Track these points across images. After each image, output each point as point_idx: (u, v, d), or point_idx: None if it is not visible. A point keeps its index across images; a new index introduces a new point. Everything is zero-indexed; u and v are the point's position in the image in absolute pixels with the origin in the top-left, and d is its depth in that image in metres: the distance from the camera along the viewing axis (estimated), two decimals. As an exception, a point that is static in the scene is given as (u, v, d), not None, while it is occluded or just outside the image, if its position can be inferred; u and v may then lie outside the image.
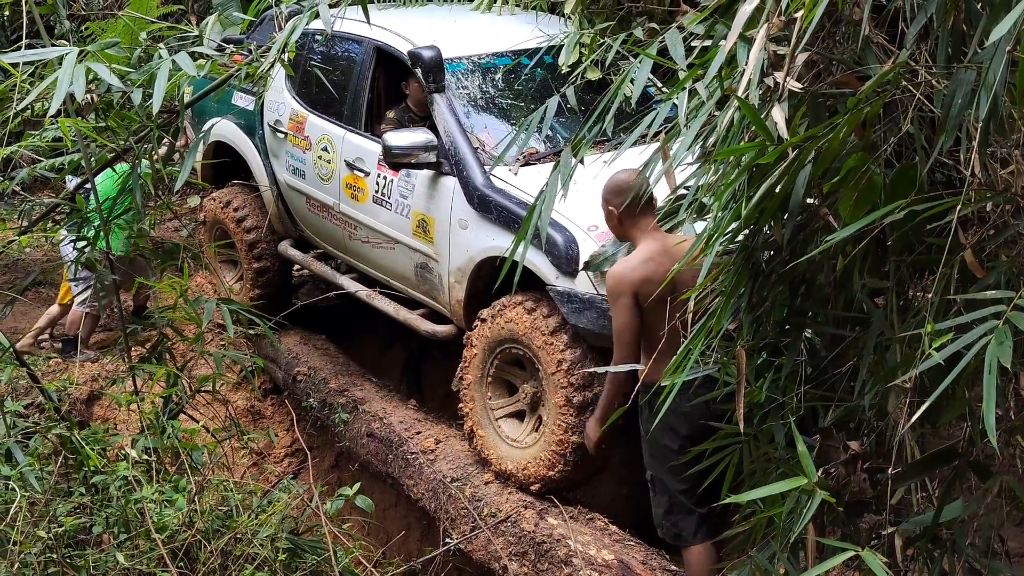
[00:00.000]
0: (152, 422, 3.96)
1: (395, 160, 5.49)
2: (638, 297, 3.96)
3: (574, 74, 5.91)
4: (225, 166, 7.12)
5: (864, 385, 3.17)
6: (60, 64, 3.42)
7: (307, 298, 7.25)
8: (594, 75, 5.91)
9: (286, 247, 6.97)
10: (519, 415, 5.36)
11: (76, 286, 7.21)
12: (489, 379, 5.35)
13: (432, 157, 5.47)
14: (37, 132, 4.05)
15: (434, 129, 5.57)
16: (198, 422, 4.42)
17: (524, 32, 6.10)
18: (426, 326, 5.87)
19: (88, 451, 3.66)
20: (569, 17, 6.12)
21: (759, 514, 3.02)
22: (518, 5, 6.53)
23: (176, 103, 4.04)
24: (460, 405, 5.52)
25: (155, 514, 3.39)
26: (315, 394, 6.51)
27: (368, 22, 4.19)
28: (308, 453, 4.44)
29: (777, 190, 2.32)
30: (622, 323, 4.00)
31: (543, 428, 5.11)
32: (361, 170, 6.01)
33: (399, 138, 5.46)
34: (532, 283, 5.00)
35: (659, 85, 5.88)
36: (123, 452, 3.79)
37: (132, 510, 3.48)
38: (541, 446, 5.09)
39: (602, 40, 5.93)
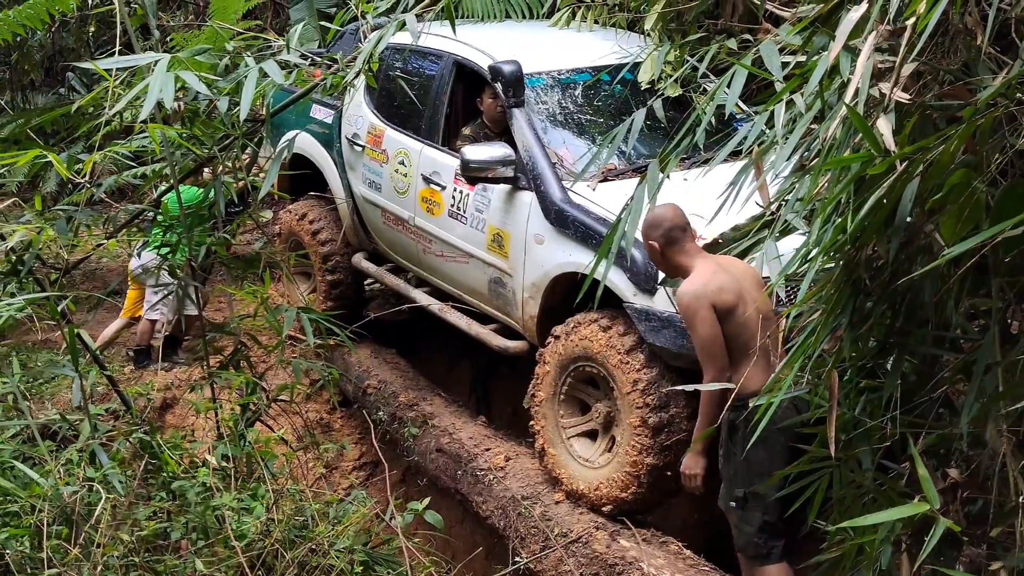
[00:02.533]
0: (231, 429, 3.96)
1: (472, 174, 5.47)
2: (716, 308, 3.95)
3: (659, 89, 5.87)
4: (301, 178, 7.18)
5: (961, 411, 3.06)
6: (150, 71, 3.46)
7: (378, 311, 7.25)
8: (674, 92, 5.86)
9: (360, 259, 6.99)
10: (591, 434, 5.28)
11: (153, 294, 7.30)
12: (562, 397, 5.28)
13: (509, 172, 5.44)
14: (122, 141, 4.09)
15: (511, 145, 5.55)
16: (273, 431, 4.42)
17: (603, 48, 6.07)
18: (498, 341, 5.83)
19: (167, 456, 3.67)
20: (649, 34, 6.05)
21: (850, 541, 2.91)
22: (596, 22, 6.49)
23: (261, 112, 4.07)
24: (531, 423, 5.46)
25: (234, 522, 3.38)
26: (384, 408, 6.49)
27: (454, 34, 4.17)
28: (385, 464, 4.40)
29: (884, 203, 2.23)
30: (708, 336, 3.94)
31: (616, 448, 5.02)
32: (437, 184, 6.00)
33: (477, 152, 5.44)
34: (608, 300, 4.93)
35: (741, 105, 5.79)
36: (198, 459, 3.80)
37: (210, 517, 3.47)
38: (614, 467, 5.00)
39: (683, 57, 5.88)
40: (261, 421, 4.36)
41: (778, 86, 2.84)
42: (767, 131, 6.07)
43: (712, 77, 5.87)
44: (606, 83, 5.91)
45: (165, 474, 3.66)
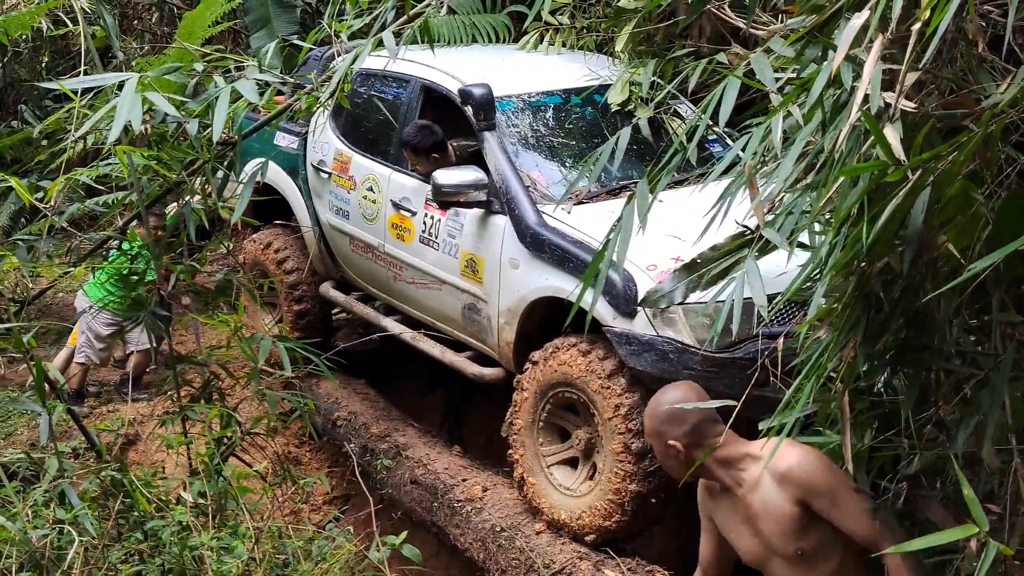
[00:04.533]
0: (207, 464, 3.79)
1: (444, 198, 5.37)
2: None
3: (629, 111, 5.82)
4: (265, 207, 7.02)
5: (958, 429, 2.99)
6: (113, 92, 3.32)
7: (346, 341, 7.10)
8: (645, 113, 5.82)
9: (328, 288, 6.84)
10: (572, 462, 5.16)
11: (81, 335, 7.16)
12: (540, 424, 5.17)
13: (482, 195, 5.35)
14: (85, 168, 3.93)
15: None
16: (250, 465, 4.26)
17: (572, 71, 6.02)
18: (473, 369, 5.70)
19: (140, 495, 3.49)
20: (618, 56, 6.01)
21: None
22: (564, 44, 6.45)
23: (230, 135, 3.94)
24: (508, 451, 5.34)
25: (214, 562, 3.21)
26: (356, 439, 6.33)
27: (432, 53, 4.07)
28: (368, 497, 4.23)
29: (896, 215, 2.16)
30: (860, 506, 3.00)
31: (598, 476, 4.91)
32: (408, 209, 5.89)
33: (449, 176, 5.35)
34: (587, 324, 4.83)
35: (712, 125, 5.75)
36: (167, 496, 3.63)
37: (188, 557, 3.30)
38: (597, 495, 4.89)
39: (654, 79, 5.84)
40: (236, 455, 4.20)
41: (774, 98, 2.77)
42: (741, 151, 6.04)
43: (682, 97, 5.87)
44: (576, 105, 5.85)
45: (137, 513, 3.48)
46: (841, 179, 2.16)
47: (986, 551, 2.07)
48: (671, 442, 3.16)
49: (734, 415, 2.98)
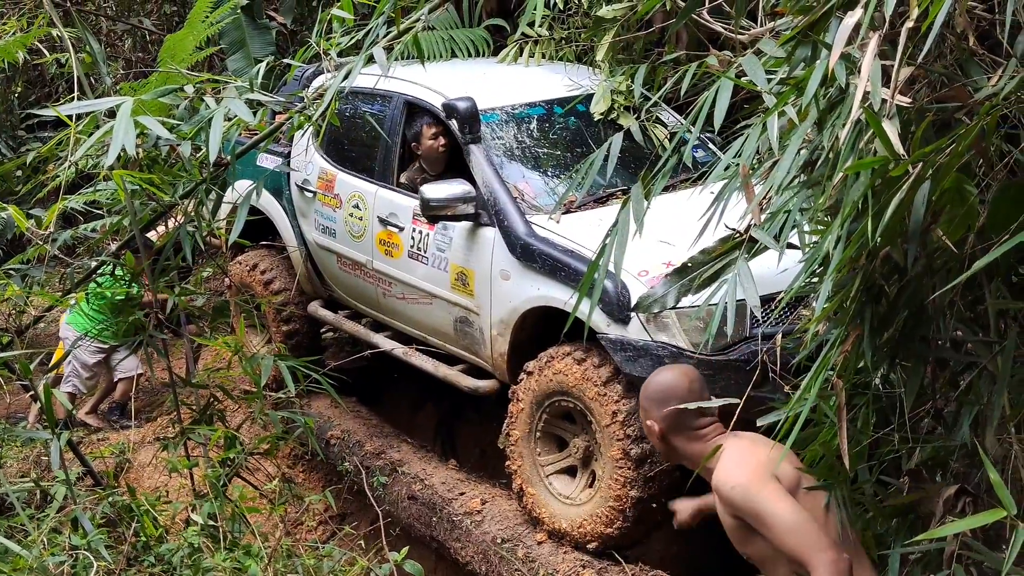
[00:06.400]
0: (214, 486, 3.78)
1: (433, 213, 5.38)
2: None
3: (612, 119, 5.86)
4: (248, 229, 6.99)
5: (958, 421, 3.02)
6: (106, 117, 3.32)
7: (334, 360, 7.09)
8: (627, 121, 5.87)
9: (316, 307, 6.83)
10: (570, 471, 5.18)
11: (67, 366, 7.14)
12: (538, 434, 5.18)
13: (470, 208, 5.36)
14: (76, 194, 3.92)
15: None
16: (256, 487, 4.24)
17: (553, 82, 6.06)
18: (467, 382, 5.71)
19: (147, 520, 3.47)
20: (599, 66, 6.06)
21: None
22: (544, 56, 6.48)
23: (222, 157, 3.93)
24: (507, 463, 5.34)
25: (229, 583, 3.20)
26: (350, 457, 6.31)
27: (424, 68, 4.07)
28: (378, 513, 4.21)
29: (898, 208, 2.19)
30: (787, 512, 2.89)
31: (598, 483, 4.92)
32: (395, 225, 5.90)
33: (437, 190, 5.36)
34: (581, 332, 4.85)
35: (690, 128, 5.79)
36: (173, 520, 3.61)
37: (202, 580, 3.29)
38: (597, 502, 4.90)
39: (632, 87, 5.88)
40: (240, 476, 4.18)
41: (767, 99, 2.81)
42: (721, 154, 6.07)
43: (663, 105, 5.92)
44: (560, 116, 5.89)
45: (144, 537, 3.46)
46: (841, 174, 2.19)
47: (1016, 533, 2.10)
48: (649, 422, 3.20)
49: (735, 417, 3.00)
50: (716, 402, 3.02)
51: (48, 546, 3.11)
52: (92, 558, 3.05)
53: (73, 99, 3.39)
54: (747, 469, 2.97)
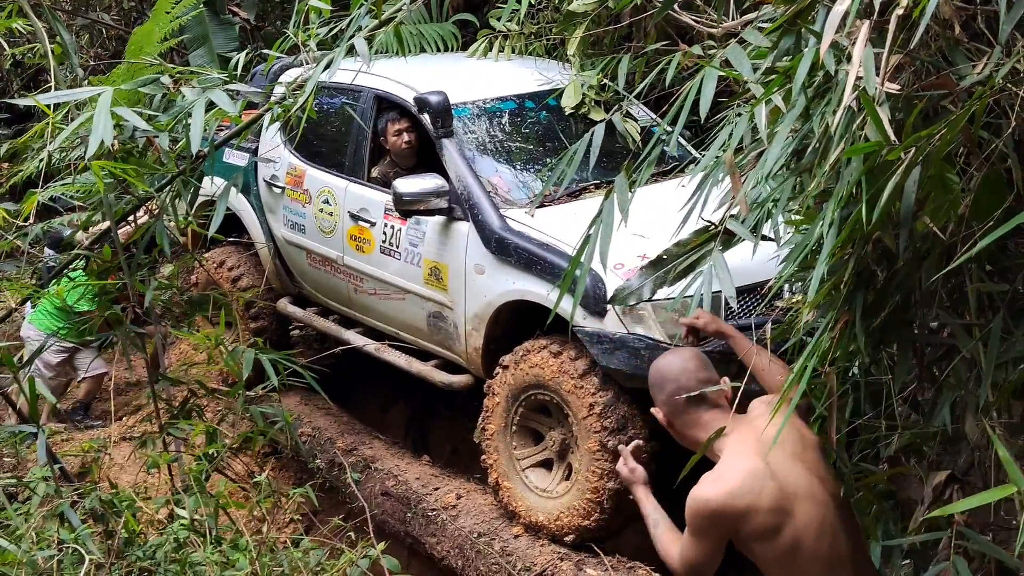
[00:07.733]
0: (198, 480, 3.73)
1: (406, 207, 5.36)
2: (740, 533, 2.90)
3: (583, 113, 5.87)
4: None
5: (934, 407, 3.07)
6: (78, 110, 3.27)
7: (303, 357, 7.03)
8: (598, 115, 5.89)
9: (285, 304, 6.78)
10: (546, 464, 5.18)
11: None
12: (514, 428, 5.17)
13: (444, 203, 5.35)
14: (46, 186, 3.86)
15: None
16: (236, 482, 4.20)
17: (524, 76, 6.06)
18: (441, 377, 5.69)
19: (129, 515, 3.43)
20: (569, 60, 6.07)
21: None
22: (514, 51, 6.49)
23: (201, 148, 3.88)
24: (482, 457, 5.33)
25: (219, 577, 3.16)
26: (321, 455, 6.27)
27: (405, 60, 4.03)
28: (366, 510, 4.18)
29: (892, 194, 2.22)
30: (699, 559, 2.93)
31: (574, 476, 4.93)
32: (366, 220, 5.87)
33: (410, 185, 5.34)
34: (557, 325, 4.85)
35: (657, 119, 5.83)
36: (154, 515, 3.57)
37: (190, 574, 3.24)
38: (574, 495, 4.91)
39: (605, 81, 5.91)
40: (220, 471, 4.13)
41: (754, 88, 2.83)
42: (692, 149, 6.07)
43: (633, 99, 5.95)
44: (531, 110, 5.89)
45: (125, 532, 3.41)
46: (833, 159, 2.22)
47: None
48: (654, 409, 3.20)
49: (733, 406, 3.03)
50: (709, 389, 3.04)
51: (36, 541, 3.06)
52: (83, 552, 3.00)
53: (49, 89, 3.35)
54: (723, 490, 2.87)
